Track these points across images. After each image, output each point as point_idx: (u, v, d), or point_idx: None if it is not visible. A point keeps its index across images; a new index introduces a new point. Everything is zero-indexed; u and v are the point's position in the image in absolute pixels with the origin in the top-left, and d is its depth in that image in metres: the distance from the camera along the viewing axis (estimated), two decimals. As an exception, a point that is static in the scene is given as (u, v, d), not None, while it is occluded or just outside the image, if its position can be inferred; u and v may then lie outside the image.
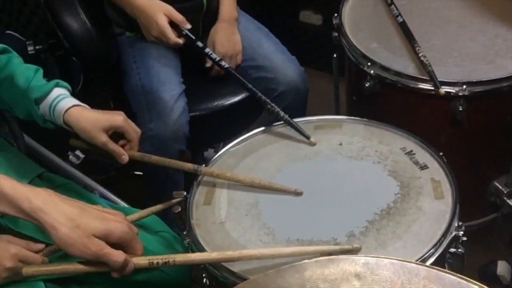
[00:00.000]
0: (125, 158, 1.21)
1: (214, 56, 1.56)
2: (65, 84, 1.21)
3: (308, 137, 1.27)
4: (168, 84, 1.62)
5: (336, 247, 1.00)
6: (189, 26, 1.60)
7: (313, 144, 1.25)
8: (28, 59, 1.38)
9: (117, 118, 1.19)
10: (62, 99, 1.17)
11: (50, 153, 1.69)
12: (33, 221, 0.89)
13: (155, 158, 1.26)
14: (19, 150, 1.50)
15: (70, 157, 1.69)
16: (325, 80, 2.21)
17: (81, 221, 0.88)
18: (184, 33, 1.59)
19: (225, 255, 0.99)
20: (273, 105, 1.35)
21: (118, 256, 0.90)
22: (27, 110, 1.18)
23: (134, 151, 1.23)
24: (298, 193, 1.14)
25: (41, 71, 1.21)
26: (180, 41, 1.60)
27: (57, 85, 1.19)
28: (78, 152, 1.67)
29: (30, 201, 0.88)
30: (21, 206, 0.88)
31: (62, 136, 1.57)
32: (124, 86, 1.69)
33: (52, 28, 1.63)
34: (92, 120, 1.17)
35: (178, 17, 1.59)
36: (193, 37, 1.58)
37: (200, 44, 1.57)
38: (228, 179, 1.20)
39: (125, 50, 1.69)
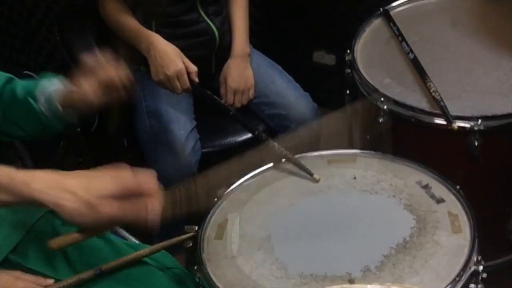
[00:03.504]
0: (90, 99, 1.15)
1: (222, 101, 1.58)
2: (57, 76, 1.19)
3: (311, 174, 1.25)
4: (177, 123, 1.62)
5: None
6: (197, 80, 1.58)
7: (316, 181, 1.23)
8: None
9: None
10: (53, 83, 1.16)
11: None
12: (35, 203, 0.87)
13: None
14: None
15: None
16: (339, 119, 2.20)
17: (85, 189, 0.86)
18: (193, 82, 1.58)
19: None
20: (275, 143, 1.34)
21: (134, 207, 0.87)
22: (31, 116, 1.16)
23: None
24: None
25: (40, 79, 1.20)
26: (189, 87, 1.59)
27: (46, 77, 1.18)
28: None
29: (28, 185, 0.86)
30: (20, 192, 0.87)
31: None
32: (134, 125, 1.70)
33: (68, 65, 1.65)
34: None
35: (193, 68, 1.57)
36: (203, 88, 1.59)
37: (208, 92, 1.58)
38: None
39: (136, 88, 1.70)
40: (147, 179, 0.91)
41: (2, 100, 1.20)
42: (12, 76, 1.23)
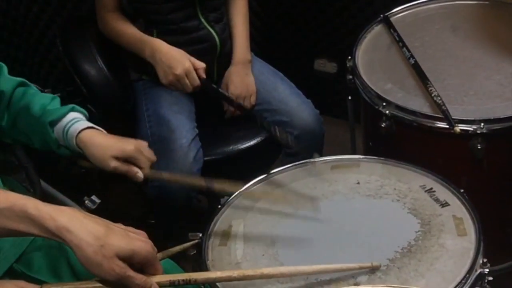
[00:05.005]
0: (140, 175, 1.21)
1: (228, 95, 1.58)
2: (81, 109, 1.22)
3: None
4: (178, 132, 1.63)
5: (356, 265, 1.01)
6: (204, 75, 1.62)
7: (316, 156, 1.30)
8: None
9: (128, 148, 1.20)
10: (76, 122, 1.18)
11: (66, 198, 1.70)
12: (59, 239, 0.88)
13: (165, 175, 1.32)
14: (35, 195, 1.50)
15: (86, 202, 1.68)
16: (341, 127, 2.20)
17: (107, 240, 0.87)
18: (201, 78, 1.62)
19: (246, 274, 0.99)
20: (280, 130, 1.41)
21: (139, 279, 0.89)
22: (42, 137, 1.18)
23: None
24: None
25: (57, 99, 1.22)
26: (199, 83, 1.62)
27: (72, 109, 1.20)
28: (94, 197, 1.66)
29: (54, 220, 0.87)
30: (45, 226, 0.87)
31: (78, 182, 1.57)
32: (136, 134, 1.70)
33: (71, 76, 1.66)
34: (103, 147, 1.17)
35: (201, 64, 1.62)
36: (212, 84, 1.61)
37: (215, 86, 1.61)
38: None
39: (139, 97, 1.72)
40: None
41: (14, 106, 1.20)
42: (24, 80, 1.23)
